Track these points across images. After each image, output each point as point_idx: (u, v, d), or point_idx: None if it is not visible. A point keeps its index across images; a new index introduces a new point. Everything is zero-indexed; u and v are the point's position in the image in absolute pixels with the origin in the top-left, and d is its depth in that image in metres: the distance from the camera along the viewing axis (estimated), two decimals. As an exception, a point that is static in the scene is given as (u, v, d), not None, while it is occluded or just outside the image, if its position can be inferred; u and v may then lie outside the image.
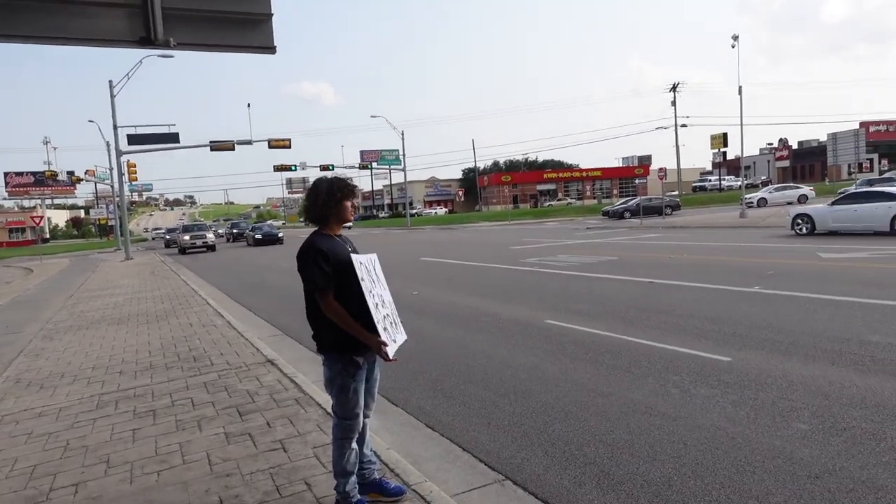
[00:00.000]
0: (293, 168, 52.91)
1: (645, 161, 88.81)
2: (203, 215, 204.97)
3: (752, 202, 40.71)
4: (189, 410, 5.43)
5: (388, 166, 74.44)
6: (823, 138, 37.45)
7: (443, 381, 6.01)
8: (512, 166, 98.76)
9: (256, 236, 40.17)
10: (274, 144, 42.17)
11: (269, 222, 53.69)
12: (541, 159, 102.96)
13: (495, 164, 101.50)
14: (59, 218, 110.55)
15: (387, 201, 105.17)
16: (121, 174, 35.95)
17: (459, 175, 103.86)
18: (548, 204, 77.58)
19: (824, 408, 4.55)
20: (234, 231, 50.64)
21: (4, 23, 3.83)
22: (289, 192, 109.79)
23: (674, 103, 62.66)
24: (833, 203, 18.88)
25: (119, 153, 34.61)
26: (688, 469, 3.75)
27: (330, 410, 3.39)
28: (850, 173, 41.10)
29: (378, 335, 3.10)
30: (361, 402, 3.32)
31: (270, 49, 4.49)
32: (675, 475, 3.68)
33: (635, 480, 3.67)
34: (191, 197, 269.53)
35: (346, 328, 3.10)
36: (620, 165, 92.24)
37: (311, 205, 3.27)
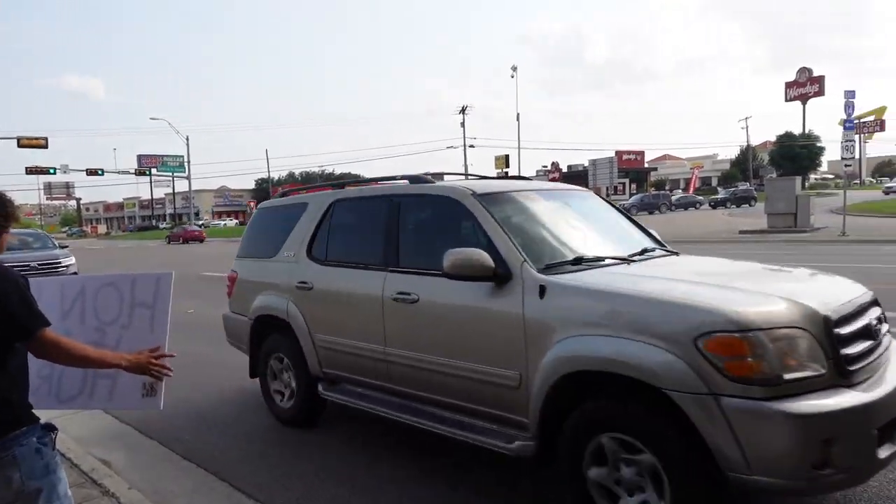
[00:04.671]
0: (52, 171, 46.45)
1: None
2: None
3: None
4: None
5: (171, 173, 68.70)
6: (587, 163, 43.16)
7: (212, 410, 5.63)
8: (308, 178, 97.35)
9: None
10: (25, 143, 36.64)
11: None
12: (338, 172, 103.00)
13: (290, 175, 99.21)
14: None
15: (169, 211, 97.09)
16: None
17: (252, 185, 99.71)
18: (345, 217, 77.66)
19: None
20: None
21: None
22: (48, 199, 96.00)
23: (462, 124, 66.74)
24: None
25: None
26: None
27: None
28: (608, 194, 47.64)
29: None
30: None
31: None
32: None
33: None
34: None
35: (97, 358, 2.31)
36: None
37: None
